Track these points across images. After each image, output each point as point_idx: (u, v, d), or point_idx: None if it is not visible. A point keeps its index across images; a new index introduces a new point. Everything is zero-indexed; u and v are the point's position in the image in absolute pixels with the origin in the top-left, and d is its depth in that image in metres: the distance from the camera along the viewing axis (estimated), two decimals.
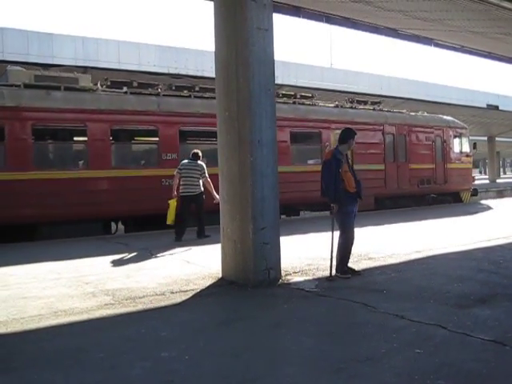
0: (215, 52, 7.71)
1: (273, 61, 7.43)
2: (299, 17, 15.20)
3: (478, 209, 19.69)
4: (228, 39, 7.39)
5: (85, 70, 23.26)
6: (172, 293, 6.81)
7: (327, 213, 18.48)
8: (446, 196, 23.37)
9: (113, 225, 14.99)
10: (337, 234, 7.68)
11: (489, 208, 19.93)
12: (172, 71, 25.70)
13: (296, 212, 18.26)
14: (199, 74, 25.81)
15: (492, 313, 5.49)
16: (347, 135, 7.83)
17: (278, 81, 23.33)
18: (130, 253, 10.34)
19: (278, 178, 7.51)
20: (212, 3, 7.78)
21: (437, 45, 19.26)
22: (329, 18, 15.79)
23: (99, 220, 14.22)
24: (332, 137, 18.40)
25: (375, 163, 19.54)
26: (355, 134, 7.92)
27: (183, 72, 25.95)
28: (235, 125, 7.29)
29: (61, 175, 13.49)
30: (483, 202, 24.48)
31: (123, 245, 11.44)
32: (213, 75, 8.04)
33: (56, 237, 12.83)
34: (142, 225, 14.76)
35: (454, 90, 40.39)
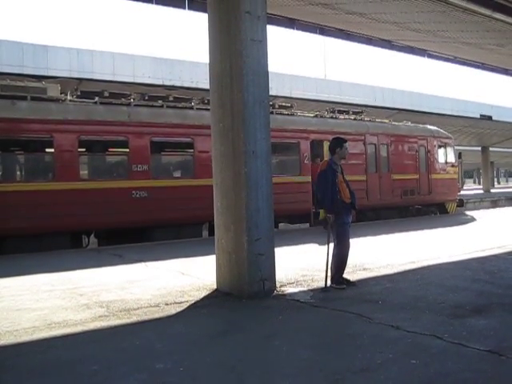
0: (209, 63, 7.72)
1: (267, 72, 7.45)
2: (293, 28, 15.28)
3: (466, 219, 19.63)
4: (222, 51, 7.41)
5: (79, 81, 23.30)
6: (166, 304, 6.78)
7: (306, 225, 18.51)
8: (430, 207, 23.16)
9: (84, 238, 14.65)
10: (332, 244, 7.67)
11: (476, 219, 19.88)
12: (167, 83, 25.71)
13: (275, 224, 17.60)
14: (194, 85, 25.81)
15: (488, 323, 5.49)
16: (335, 144, 7.81)
17: (272, 92, 23.33)
18: (124, 264, 10.30)
19: None
20: (206, 15, 7.80)
21: (430, 56, 19.38)
22: (323, 30, 15.87)
23: (67, 233, 13.82)
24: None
25: (356, 174, 18.52)
26: (344, 141, 7.86)
27: (178, 84, 25.96)
28: (229, 136, 7.29)
29: (26, 187, 13.17)
30: (469, 212, 24.36)
31: (118, 256, 11.39)
32: (207, 87, 8.04)
33: (21, 251, 12.40)
34: (115, 238, 14.50)
35: (447, 101, 40.54)
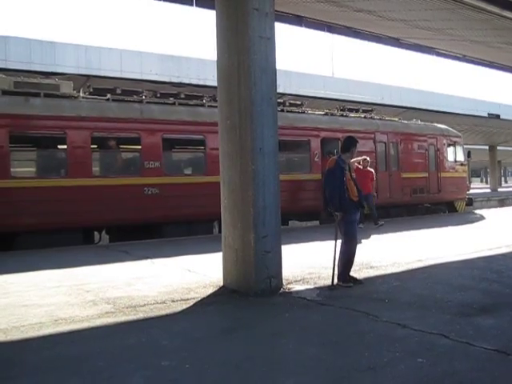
0: (217, 61, 7.71)
1: (275, 69, 7.44)
2: (301, 26, 15.22)
3: (475, 218, 19.55)
4: (230, 48, 7.40)
5: (87, 78, 23.33)
6: (173, 301, 6.78)
7: (316, 222, 18.52)
8: (439, 205, 23.06)
9: (96, 234, 14.72)
10: (339, 242, 7.66)
11: (485, 217, 19.81)
12: (174, 80, 25.69)
13: (285, 222, 17.25)
14: (201, 82, 25.80)
15: (495, 322, 5.47)
16: (350, 144, 7.84)
17: (280, 90, 23.33)
18: (131, 261, 10.31)
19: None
20: (214, 12, 7.79)
21: (438, 54, 19.26)
22: (331, 28, 15.80)
23: (79, 230, 13.88)
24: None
25: None
26: (357, 142, 7.93)
27: (185, 81, 25.94)
28: (237, 133, 7.28)
29: (39, 183, 13.23)
30: (478, 211, 24.26)
31: (124, 253, 11.40)
32: (215, 84, 8.03)
33: (34, 247, 12.49)
34: (127, 234, 14.51)
35: (455, 99, 40.37)
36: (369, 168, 16.10)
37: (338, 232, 7.64)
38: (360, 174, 15.45)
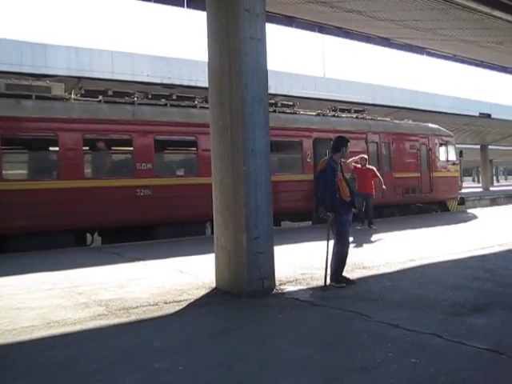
0: (208, 62, 7.70)
1: (266, 70, 7.43)
2: (292, 26, 15.27)
3: (467, 217, 19.57)
4: (221, 49, 7.39)
5: (78, 80, 23.26)
6: (165, 303, 6.76)
7: (308, 223, 18.53)
8: (432, 205, 23.08)
9: (88, 236, 14.68)
10: (331, 242, 7.66)
11: (477, 216, 19.85)
12: (165, 81, 25.66)
13: (277, 222, 17.18)
14: (193, 83, 25.78)
15: (487, 321, 5.48)
16: (340, 143, 7.82)
17: (271, 90, 23.28)
18: (123, 263, 10.27)
19: None
20: (205, 13, 7.78)
21: (429, 54, 19.36)
22: (321, 28, 15.86)
23: (71, 232, 13.85)
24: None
25: None
26: (348, 141, 7.91)
27: (177, 82, 25.92)
28: (228, 134, 7.27)
29: (31, 186, 13.17)
30: (470, 210, 24.31)
31: (116, 255, 11.37)
32: (206, 85, 8.02)
33: (26, 249, 12.45)
34: (119, 236, 14.49)
35: (446, 99, 40.46)
36: (368, 166, 15.87)
37: (331, 232, 7.64)
38: (359, 174, 15.46)
